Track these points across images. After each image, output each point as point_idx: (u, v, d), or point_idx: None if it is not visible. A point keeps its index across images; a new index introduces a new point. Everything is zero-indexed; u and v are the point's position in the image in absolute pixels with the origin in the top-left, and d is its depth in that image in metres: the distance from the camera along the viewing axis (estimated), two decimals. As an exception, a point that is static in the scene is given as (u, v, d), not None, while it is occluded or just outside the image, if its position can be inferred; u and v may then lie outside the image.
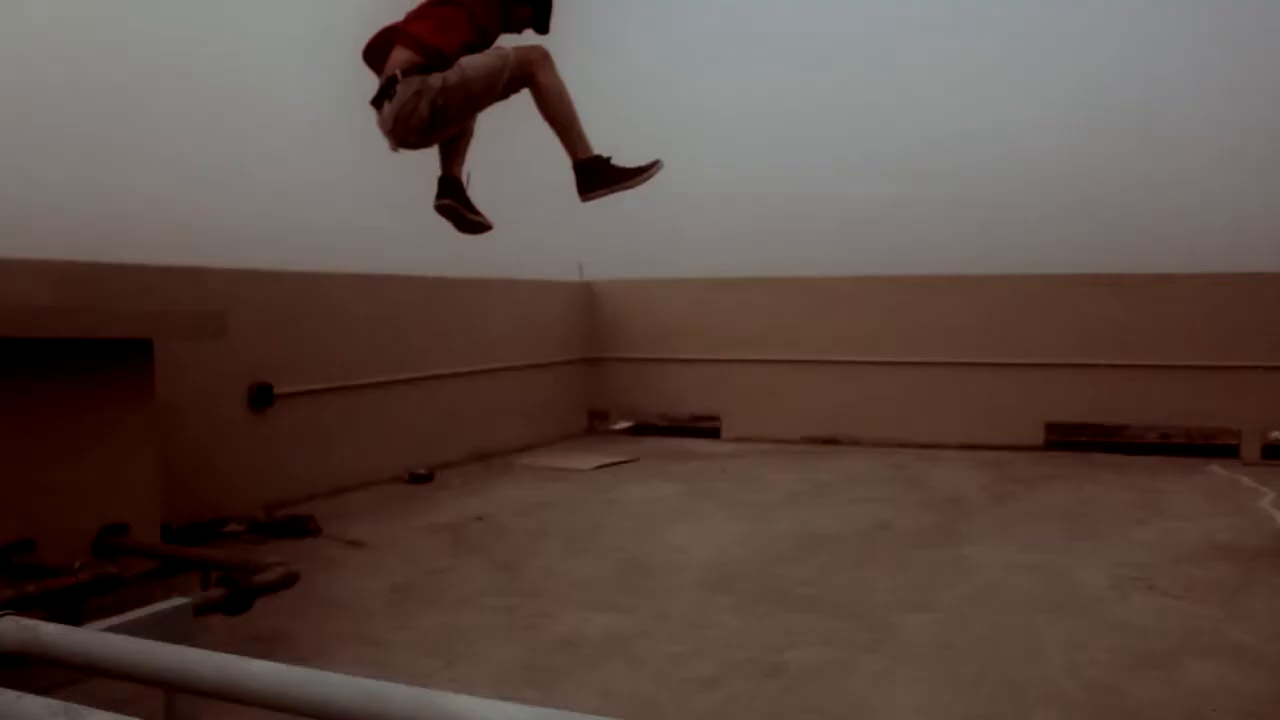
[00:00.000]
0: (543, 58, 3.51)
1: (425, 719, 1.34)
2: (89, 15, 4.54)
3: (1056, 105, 6.96)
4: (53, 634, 1.74)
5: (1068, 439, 6.77)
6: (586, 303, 7.74)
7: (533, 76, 3.48)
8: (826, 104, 7.43)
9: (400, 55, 3.54)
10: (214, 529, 4.51)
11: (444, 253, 6.26)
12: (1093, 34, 7.05)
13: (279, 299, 5.16)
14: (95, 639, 1.75)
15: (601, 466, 6.24)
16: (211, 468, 4.71)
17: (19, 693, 1.49)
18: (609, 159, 3.50)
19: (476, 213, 3.70)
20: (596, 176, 3.48)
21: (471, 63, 3.48)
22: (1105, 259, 6.74)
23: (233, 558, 3.31)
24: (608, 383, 7.61)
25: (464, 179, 3.76)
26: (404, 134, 3.52)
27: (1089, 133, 6.92)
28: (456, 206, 3.70)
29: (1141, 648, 3.00)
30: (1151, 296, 6.71)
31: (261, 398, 4.99)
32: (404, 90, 3.47)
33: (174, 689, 1.87)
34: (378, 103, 3.56)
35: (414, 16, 3.62)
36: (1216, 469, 6.05)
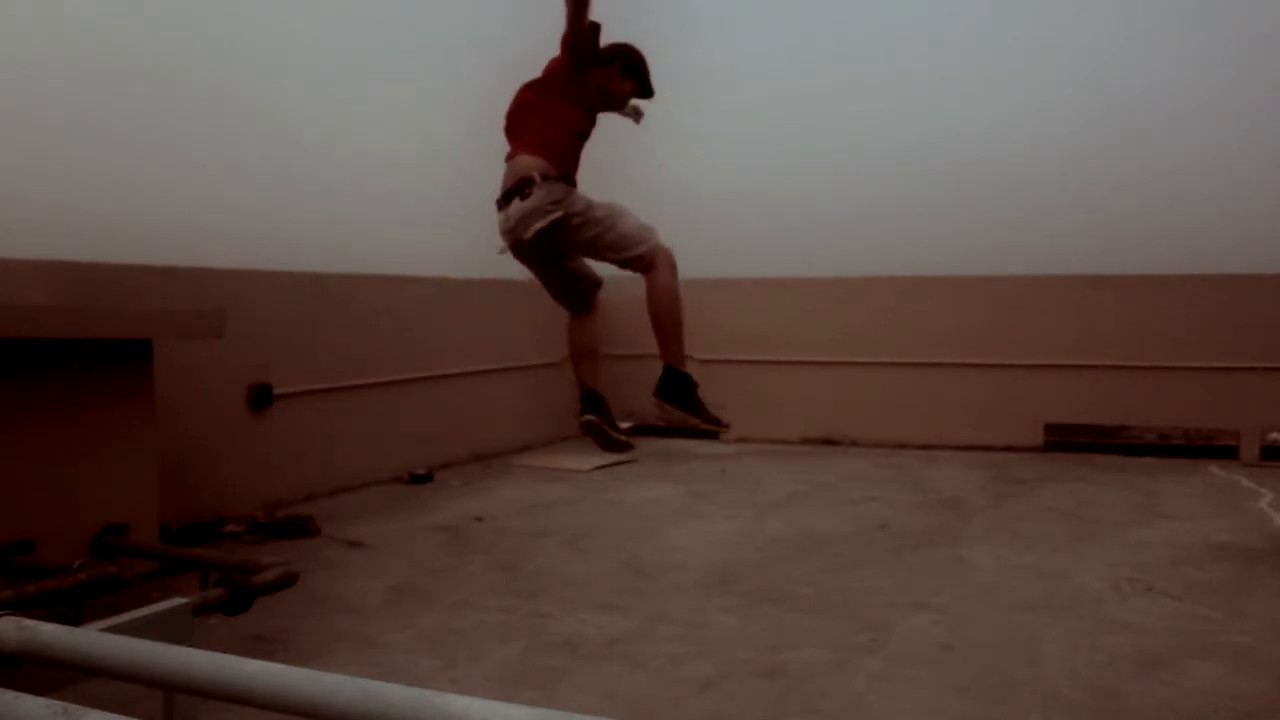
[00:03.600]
0: (669, 259, 3.54)
1: (424, 719, 1.34)
2: (89, 15, 4.54)
3: (1056, 105, 6.96)
4: (51, 634, 1.74)
5: (1067, 440, 6.78)
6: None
7: (651, 269, 3.51)
8: (825, 104, 7.43)
9: (531, 160, 3.54)
10: (213, 529, 4.51)
11: (443, 253, 6.29)
12: (1092, 34, 7.04)
13: (279, 299, 5.17)
14: (94, 639, 1.75)
15: (600, 467, 6.24)
16: (210, 468, 4.72)
17: (17, 693, 1.48)
18: (697, 385, 3.53)
19: (620, 431, 3.71)
20: (678, 395, 3.53)
21: (624, 220, 3.50)
22: (1105, 259, 6.74)
23: (232, 558, 3.31)
24: (607, 383, 7.61)
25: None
26: (519, 235, 3.52)
27: (1088, 133, 6.92)
28: (601, 424, 3.72)
29: (1141, 649, 3.00)
30: (1151, 297, 6.72)
31: (261, 398, 4.99)
32: (544, 196, 3.47)
33: (173, 689, 1.87)
34: (505, 201, 3.55)
35: (539, 111, 3.58)
36: (1215, 470, 6.06)
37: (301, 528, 4.57)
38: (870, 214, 7.11)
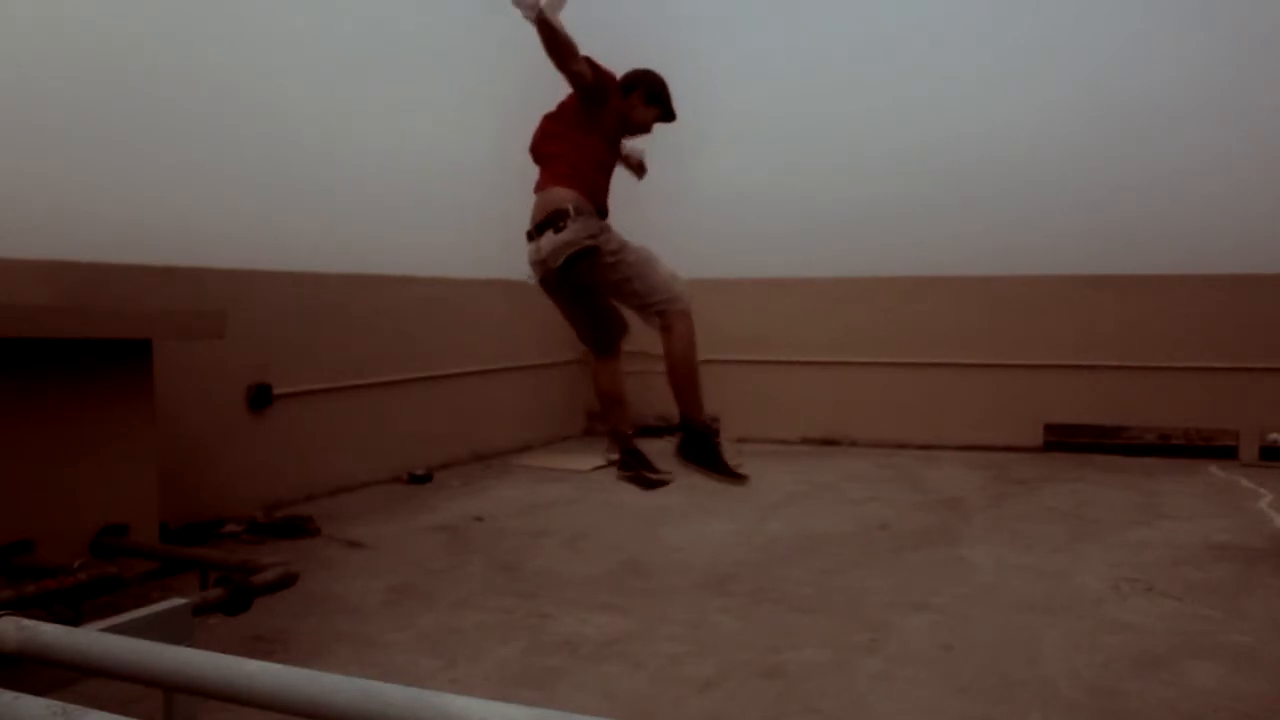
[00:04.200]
0: (686, 312, 3.54)
1: (424, 719, 1.34)
2: (89, 15, 4.53)
3: (1056, 105, 6.95)
4: (51, 634, 1.74)
5: (1066, 440, 6.78)
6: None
7: (671, 324, 3.51)
8: (825, 104, 7.42)
9: (566, 193, 3.53)
10: (213, 529, 4.51)
11: (443, 253, 6.29)
12: (1092, 34, 7.04)
13: (278, 299, 5.17)
14: (94, 639, 1.75)
15: (600, 467, 6.24)
16: (210, 468, 4.72)
17: (17, 693, 1.49)
18: (717, 436, 3.54)
19: (656, 470, 3.71)
20: (698, 451, 3.54)
21: (654, 268, 3.51)
22: (1104, 259, 6.74)
23: (231, 558, 3.31)
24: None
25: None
26: (550, 265, 3.51)
27: (1088, 133, 6.91)
28: (641, 475, 3.72)
29: (1140, 649, 3.00)
30: (1151, 297, 6.72)
31: (260, 398, 4.99)
32: (579, 230, 3.46)
33: (173, 689, 1.87)
34: (540, 233, 3.54)
35: (564, 141, 3.56)
36: (1215, 470, 6.05)
37: (301, 528, 4.57)
38: (870, 214, 7.10)
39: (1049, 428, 6.84)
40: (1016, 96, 7.04)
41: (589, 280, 3.59)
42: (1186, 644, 3.04)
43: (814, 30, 7.59)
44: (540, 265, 3.59)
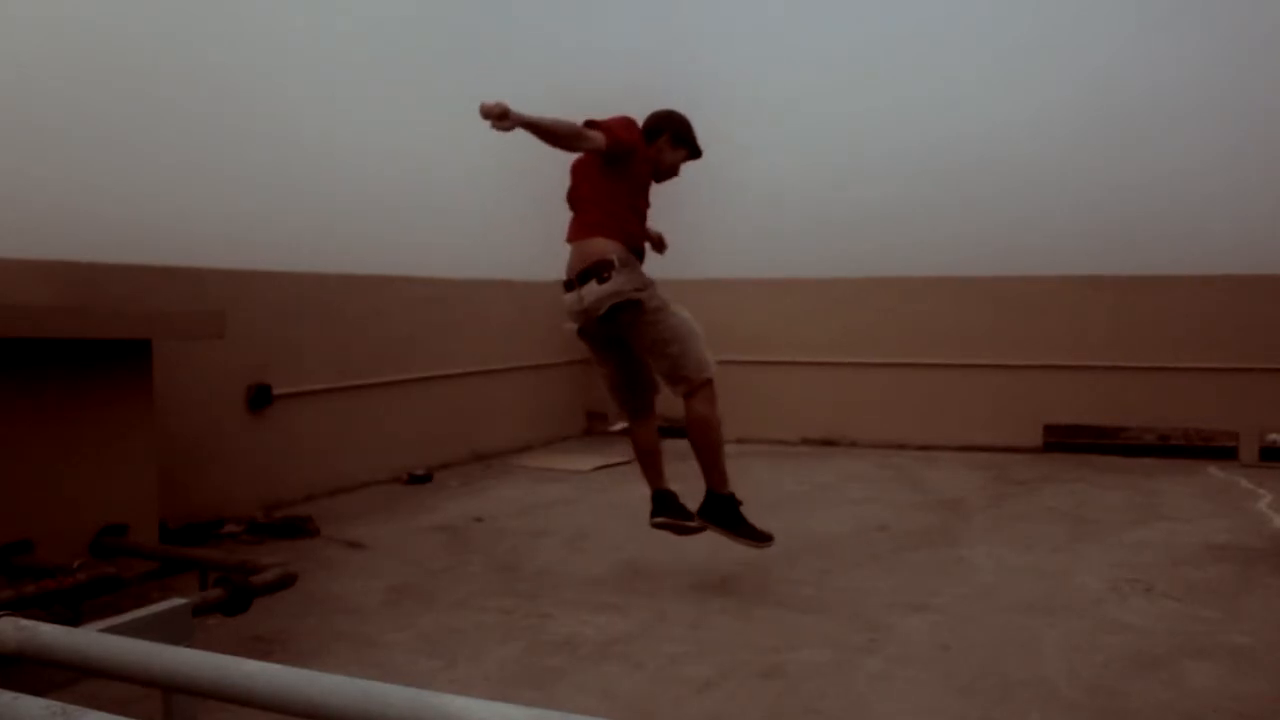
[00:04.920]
0: (708, 385, 3.54)
1: (424, 719, 1.34)
2: (89, 15, 4.54)
3: (1056, 105, 6.96)
4: (51, 635, 1.74)
5: (1066, 440, 6.78)
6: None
7: (697, 393, 3.51)
8: (825, 105, 7.42)
9: (608, 244, 3.52)
10: (212, 529, 4.51)
11: (444, 253, 6.29)
12: (1092, 34, 7.04)
13: (278, 299, 5.17)
14: (93, 640, 1.75)
15: (600, 468, 6.25)
16: (210, 468, 4.72)
17: (16, 694, 1.49)
18: (740, 504, 3.55)
19: (691, 517, 3.71)
20: (723, 517, 3.54)
21: (693, 341, 3.51)
22: (1104, 260, 6.74)
23: (231, 558, 3.31)
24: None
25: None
26: (592, 314, 3.51)
27: (1088, 133, 6.92)
28: (673, 523, 3.72)
29: (1140, 649, 3.00)
30: (1150, 298, 6.72)
31: (260, 398, 4.99)
32: (624, 281, 3.46)
33: (172, 690, 1.87)
34: (581, 282, 3.53)
35: (598, 190, 3.54)
36: (1214, 471, 6.05)
37: (301, 528, 4.57)
38: (870, 214, 7.10)
39: (1049, 428, 6.84)
40: (1016, 96, 7.04)
41: (628, 334, 3.59)
42: (1186, 644, 3.05)
43: (814, 30, 7.59)
44: (582, 314, 3.58)
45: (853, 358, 7.25)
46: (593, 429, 7.81)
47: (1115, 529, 4.58)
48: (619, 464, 6.28)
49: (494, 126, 3.24)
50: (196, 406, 4.63)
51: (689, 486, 3.85)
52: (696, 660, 2.97)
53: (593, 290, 3.53)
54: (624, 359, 3.72)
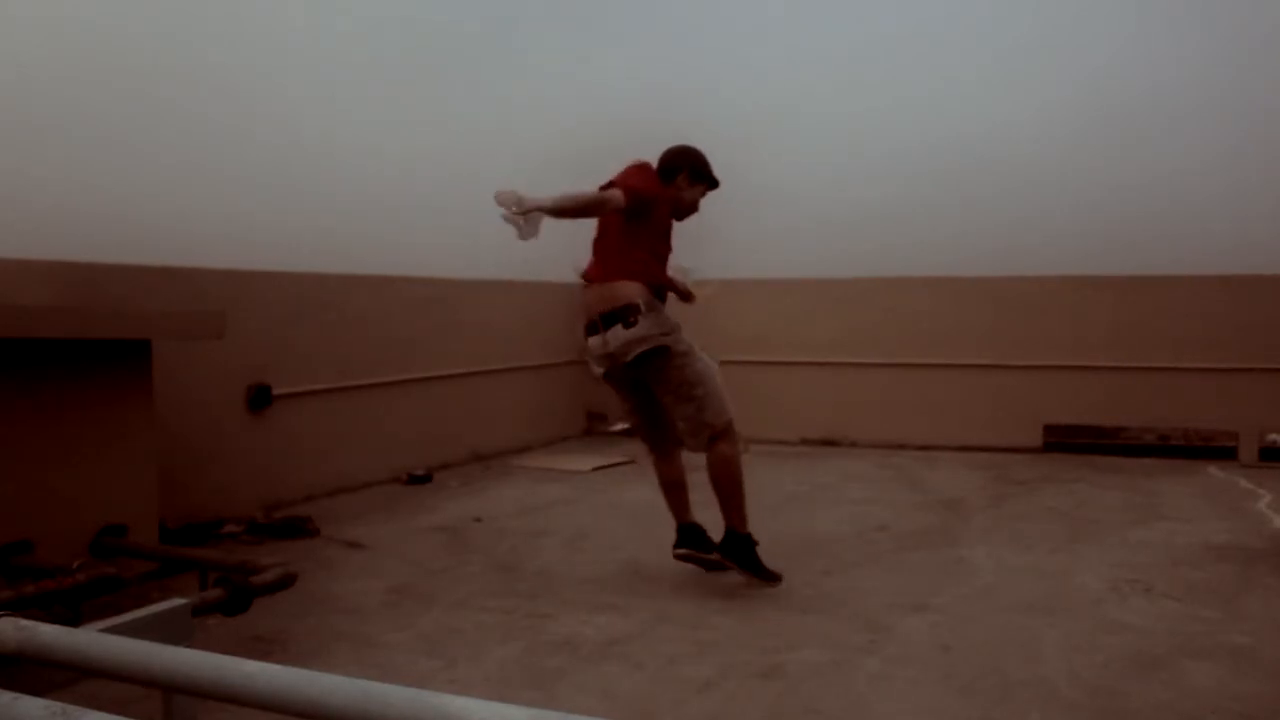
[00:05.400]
0: (730, 427, 3.56)
1: (424, 719, 1.34)
2: (89, 15, 4.54)
3: (1056, 105, 6.96)
4: (50, 635, 1.74)
5: (1066, 440, 6.78)
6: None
7: (720, 438, 3.52)
8: (825, 105, 7.42)
9: (632, 287, 3.52)
10: (212, 529, 4.51)
11: (444, 253, 6.28)
12: (1092, 34, 7.04)
13: (278, 299, 5.17)
14: (93, 640, 1.75)
15: (600, 468, 6.25)
16: (209, 468, 4.71)
17: (16, 694, 1.49)
18: (756, 544, 3.57)
19: (714, 551, 3.71)
20: (739, 556, 3.56)
21: (715, 387, 3.52)
22: (1104, 260, 6.74)
23: (231, 558, 3.31)
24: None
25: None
26: (619, 359, 3.52)
27: (1088, 133, 6.92)
28: (697, 555, 3.72)
29: (1140, 650, 3.00)
30: (1150, 298, 6.72)
31: (260, 398, 4.99)
32: (651, 326, 3.46)
33: (172, 690, 1.87)
34: (606, 325, 3.53)
35: (621, 233, 3.54)
36: (1214, 471, 6.05)
37: (300, 528, 4.57)
38: (870, 214, 7.10)
39: (1048, 428, 6.84)
40: (1016, 96, 7.04)
41: (653, 379, 3.60)
42: (1186, 644, 3.05)
43: (814, 30, 7.59)
44: (608, 359, 3.58)
45: (853, 358, 7.25)
46: (593, 429, 7.81)
47: (1115, 529, 4.58)
48: (619, 464, 6.28)
49: (507, 218, 3.24)
50: (196, 406, 4.63)
51: (698, 494, 3.85)
52: (696, 660, 2.96)
53: (619, 335, 3.53)
54: (647, 399, 3.73)
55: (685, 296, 3.98)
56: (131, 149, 4.67)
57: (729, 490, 3.59)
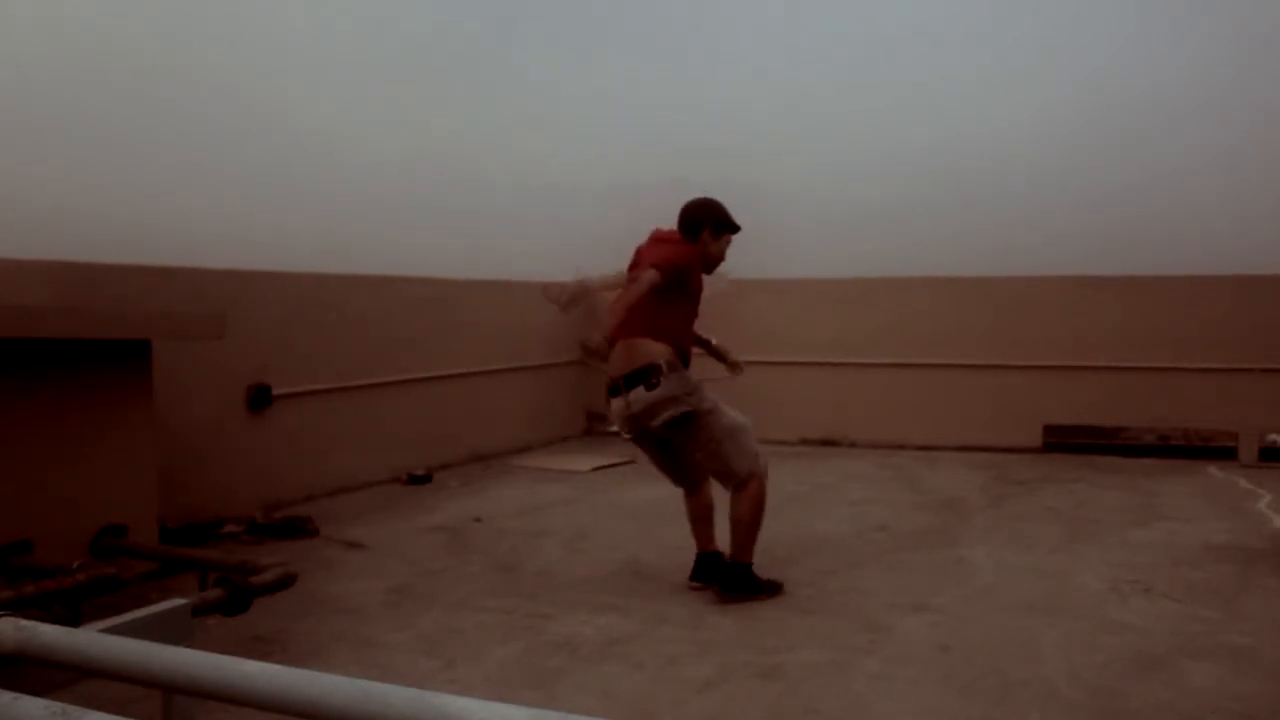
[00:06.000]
0: (765, 473, 3.57)
1: (424, 719, 1.34)
2: (89, 15, 4.54)
3: (1056, 105, 6.96)
4: (50, 635, 1.74)
5: (1066, 441, 6.77)
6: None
7: (748, 485, 3.53)
8: (825, 105, 7.42)
9: (656, 347, 3.52)
10: (212, 529, 4.51)
11: (442, 253, 6.29)
12: (1092, 34, 7.05)
13: (278, 299, 5.16)
14: (93, 640, 1.75)
15: (599, 468, 6.24)
16: (209, 468, 4.71)
17: (16, 694, 1.48)
18: (752, 570, 3.58)
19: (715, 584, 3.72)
20: (737, 583, 3.57)
21: (744, 437, 3.52)
22: (1104, 260, 6.74)
23: (231, 558, 3.31)
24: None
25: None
26: (644, 424, 3.52)
27: (1088, 133, 6.92)
28: (704, 589, 3.72)
29: (1139, 650, 3.00)
30: (1150, 298, 6.72)
31: (259, 399, 4.99)
32: (675, 386, 3.46)
33: (171, 690, 1.87)
34: (629, 386, 3.52)
35: (654, 301, 3.54)
36: (1214, 471, 6.05)
37: (300, 528, 4.57)
38: (871, 214, 7.10)
39: (1048, 428, 6.83)
40: (1016, 96, 7.04)
41: (681, 441, 3.60)
42: (1185, 644, 3.04)
43: (814, 31, 7.59)
44: (632, 420, 3.57)
45: (853, 358, 7.24)
46: (593, 429, 7.81)
47: (1115, 529, 4.58)
48: (619, 464, 6.28)
49: (566, 309, 3.28)
50: (196, 406, 4.63)
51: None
52: (696, 660, 2.96)
53: (641, 397, 3.52)
54: (672, 454, 3.74)
55: (727, 361, 4.02)
56: (131, 149, 4.68)
57: (747, 529, 3.59)
